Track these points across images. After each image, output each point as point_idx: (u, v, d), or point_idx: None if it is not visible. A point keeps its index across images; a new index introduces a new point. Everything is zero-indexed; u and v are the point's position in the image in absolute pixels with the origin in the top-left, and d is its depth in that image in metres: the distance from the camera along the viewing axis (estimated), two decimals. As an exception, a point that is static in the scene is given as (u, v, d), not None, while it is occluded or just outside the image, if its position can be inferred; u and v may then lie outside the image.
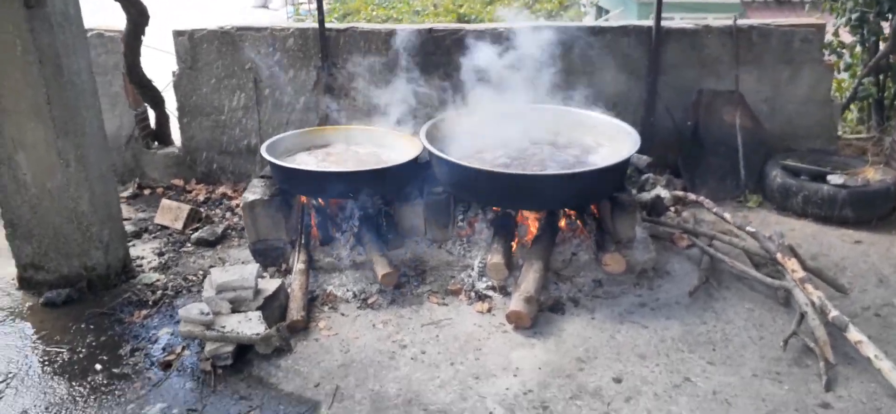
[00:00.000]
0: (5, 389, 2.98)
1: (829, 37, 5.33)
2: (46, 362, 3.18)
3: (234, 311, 3.21)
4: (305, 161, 4.13)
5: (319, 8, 4.83)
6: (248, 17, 15.57)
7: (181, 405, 2.87)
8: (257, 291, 3.33)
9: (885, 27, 5.34)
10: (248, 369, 3.07)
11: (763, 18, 5.42)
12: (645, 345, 3.23)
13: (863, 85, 5.55)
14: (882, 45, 5.36)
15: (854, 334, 2.99)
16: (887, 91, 5.59)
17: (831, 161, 4.75)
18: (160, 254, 4.19)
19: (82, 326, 3.45)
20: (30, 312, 3.59)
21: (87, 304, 3.63)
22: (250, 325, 3.12)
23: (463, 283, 3.73)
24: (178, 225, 4.49)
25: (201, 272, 3.95)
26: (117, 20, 5.07)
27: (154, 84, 5.19)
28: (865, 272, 3.84)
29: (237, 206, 4.79)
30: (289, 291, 3.53)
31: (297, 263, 3.71)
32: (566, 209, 3.95)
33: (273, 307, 3.37)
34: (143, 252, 4.23)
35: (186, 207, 4.56)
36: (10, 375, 3.08)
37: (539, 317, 3.43)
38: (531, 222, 3.97)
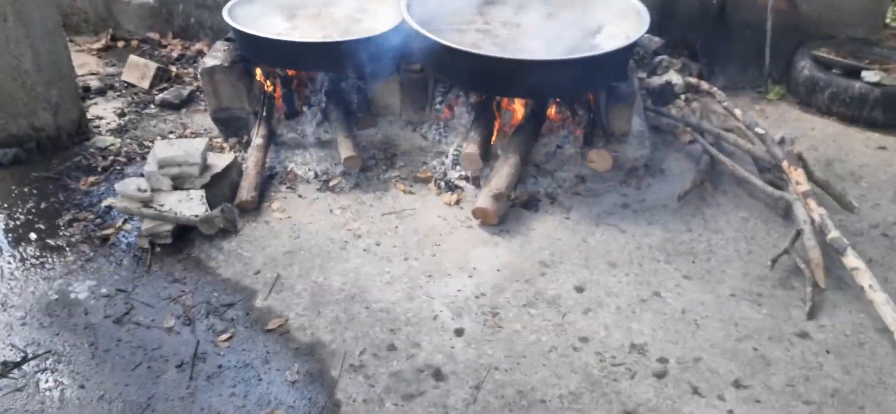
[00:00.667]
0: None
1: None
2: (-18, 228, 3.03)
3: (176, 188, 3.00)
4: (274, 25, 3.73)
5: None
6: None
7: (111, 284, 2.72)
8: (205, 168, 3.10)
9: None
10: (188, 250, 2.90)
11: None
12: (618, 251, 2.95)
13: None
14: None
15: (851, 260, 2.66)
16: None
17: (871, 53, 4.19)
18: (121, 114, 3.95)
19: (25, 190, 3.28)
20: (-25, 172, 3.43)
21: (36, 166, 3.44)
22: (190, 204, 2.91)
23: (434, 170, 3.45)
24: (145, 84, 4.22)
25: (160, 137, 3.72)
26: None
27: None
28: (883, 184, 3.43)
29: (211, 66, 4.47)
30: (243, 167, 3.29)
31: (256, 138, 3.45)
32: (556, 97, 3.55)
33: (223, 185, 3.15)
34: (105, 112, 3.98)
35: (154, 65, 4.26)
36: (-57, 239, 2.95)
37: (510, 213, 3.16)
38: (517, 109, 3.59)
